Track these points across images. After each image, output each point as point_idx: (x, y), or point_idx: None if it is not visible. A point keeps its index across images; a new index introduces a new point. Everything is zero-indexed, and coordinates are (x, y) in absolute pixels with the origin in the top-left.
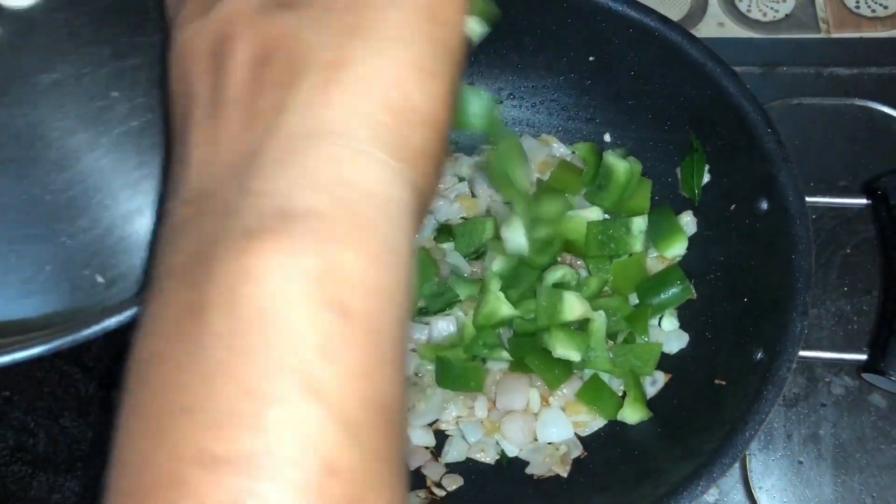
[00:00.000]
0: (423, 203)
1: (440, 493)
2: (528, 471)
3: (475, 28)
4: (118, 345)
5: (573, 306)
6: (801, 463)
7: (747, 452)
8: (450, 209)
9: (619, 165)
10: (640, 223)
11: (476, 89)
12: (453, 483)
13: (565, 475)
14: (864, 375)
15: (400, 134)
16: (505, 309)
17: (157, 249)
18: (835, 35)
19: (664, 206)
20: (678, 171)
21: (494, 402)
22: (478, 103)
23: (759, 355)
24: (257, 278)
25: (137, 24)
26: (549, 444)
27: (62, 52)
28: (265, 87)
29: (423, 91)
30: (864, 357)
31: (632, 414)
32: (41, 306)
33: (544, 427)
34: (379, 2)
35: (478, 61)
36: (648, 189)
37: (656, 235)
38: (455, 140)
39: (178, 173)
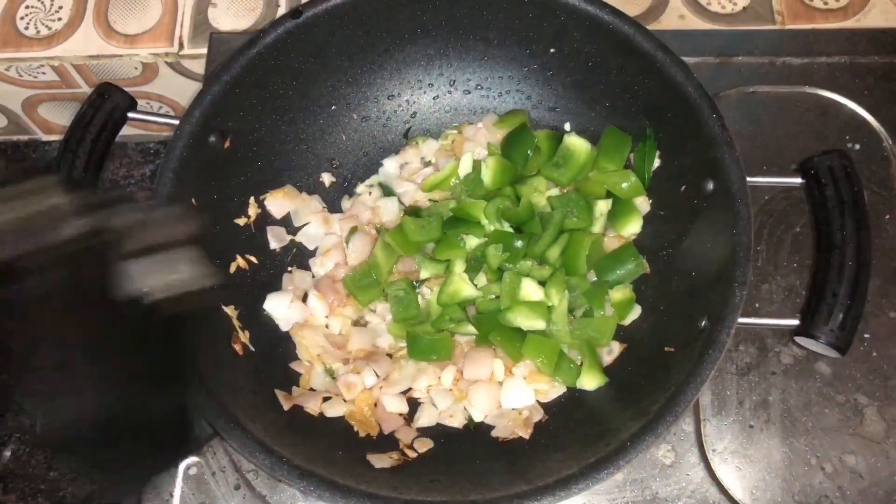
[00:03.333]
0: None
1: (412, 454)
2: (494, 434)
3: None
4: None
5: (530, 291)
6: (751, 427)
7: (702, 418)
8: (417, 193)
9: (580, 145)
10: (603, 206)
11: None
12: (424, 446)
13: (527, 437)
14: (797, 339)
15: None
16: (468, 289)
17: None
18: (789, 26)
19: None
20: (632, 156)
21: (462, 372)
22: None
23: (704, 323)
24: None
25: None
26: (513, 409)
27: None
28: None
29: None
30: (796, 322)
31: (589, 381)
32: None
33: (508, 394)
34: None
35: (446, 54)
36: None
37: (613, 215)
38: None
39: None
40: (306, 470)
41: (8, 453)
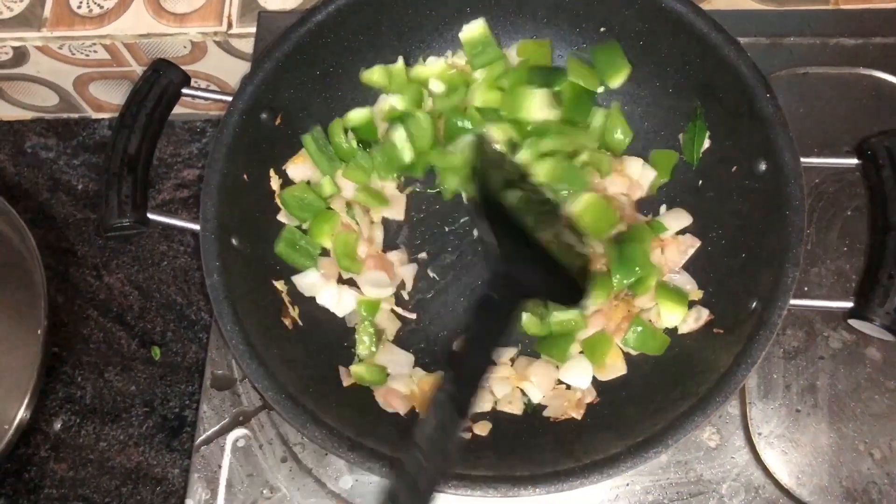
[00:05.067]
0: None
1: (466, 435)
2: (546, 413)
3: None
4: (157, 306)
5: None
6: (798, 411)
7: (748, 401)
8: None
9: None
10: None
11: None
12: (484, 429)
13: (579, 418)
14: (850, 321)
15: None
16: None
17: None
18: (843, 6)
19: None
20: (681, 136)
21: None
22: None
23: (754, 304)
24: None
25: None
26: (568, 389)
27: None
28: None
29: None
30: (850, 305)
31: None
32: None
33: (569, 370)
34: None
35: (496, 33)
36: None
37: (602, 69)
38: None
39: None
40: (356, 442)
41: (59, 424)
